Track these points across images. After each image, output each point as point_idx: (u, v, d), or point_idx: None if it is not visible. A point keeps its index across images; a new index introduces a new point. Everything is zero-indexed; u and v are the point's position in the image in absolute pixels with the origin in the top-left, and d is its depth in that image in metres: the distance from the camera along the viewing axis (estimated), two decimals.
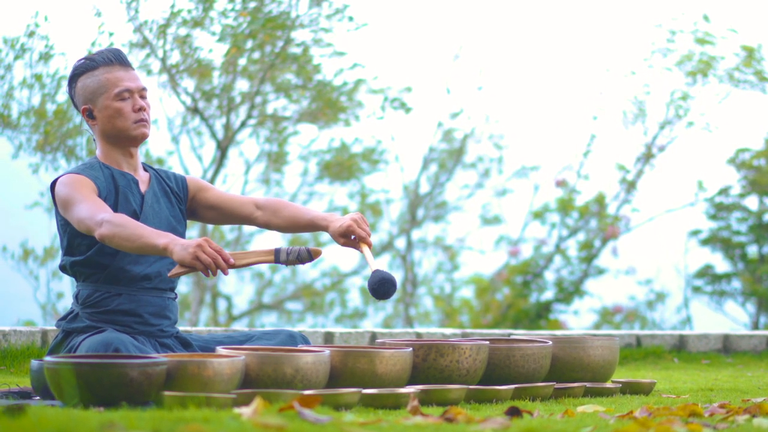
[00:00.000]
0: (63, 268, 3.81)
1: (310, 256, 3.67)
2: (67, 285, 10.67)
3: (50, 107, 9.29)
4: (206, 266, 3.43)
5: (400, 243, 12.41)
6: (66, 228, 3.76)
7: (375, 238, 12.55)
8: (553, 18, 13.34)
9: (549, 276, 11.28)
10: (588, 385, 4.15)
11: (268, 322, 12.68)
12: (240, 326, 11.34)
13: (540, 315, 11.04)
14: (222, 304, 12.02)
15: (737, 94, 10.65)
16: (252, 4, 8.69)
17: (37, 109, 9.23)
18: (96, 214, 3.56)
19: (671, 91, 10.77)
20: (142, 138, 3.80)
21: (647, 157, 10.96)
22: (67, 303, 10.64)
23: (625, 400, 4.04)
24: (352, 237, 3.80)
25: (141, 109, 3.79)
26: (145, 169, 3.93)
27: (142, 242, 3.46)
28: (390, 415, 3.30)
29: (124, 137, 3.80)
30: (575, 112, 11.74)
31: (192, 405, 3.06)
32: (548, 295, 11.24)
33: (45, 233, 10.62)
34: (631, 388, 4.30)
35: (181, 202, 3.95)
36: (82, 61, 3.82)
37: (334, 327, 10.59)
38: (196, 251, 3.41)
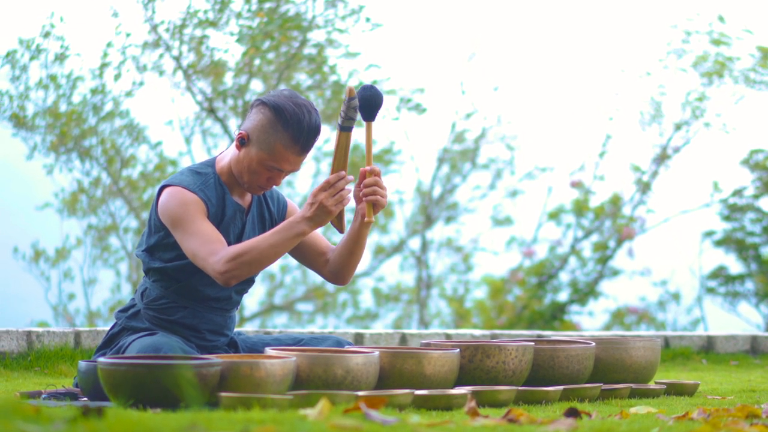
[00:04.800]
0: (139, 257, 3.81)
1: (351, 101, 3.64)
2: (78, 287, 10.62)
3: (65, 108, 9.26)
4: (340, 204, 3.59)
5: (414, 244, 12.36)
6: (160, 231, 3.73)
7: (386, 240, 12.51)
8: (568, 18, 13.32)
9: (564, 277, 11.25)
10: (634, 386, 4.14)
11: (280, 323, 12.63)
12: (251, 327, 11.31)
13: (555, 316, 11.00)
14: None
15: (752, 95, 10.63)
16: (268, 5, 8.68)
17: (51, 110, 9.21)
18: (210, 256, 3.59)
19: (687, 92, 10.74)
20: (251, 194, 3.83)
21: (662, 158, 10.93)
22: (78, 305, 10.59)
23: (671, 401, 4.02)
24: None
25: (273, 184, 3.74)
26: None
27: (279, 254, 3.62)
28: (446, 416, 3.27)
29: (242, 185, 3.76)
30: (590, 113, 11.68)
31: (257, 406, 3.04)
32: (563, 296, 11.21)
33: (56, 234, 10.58)
34: (675, 389, 4.28)
35: (273, 226, 3.90)
36: (287, 109, 3.62)
37: (346, 328, 10.54)
38: (326, 207, 3.58)
